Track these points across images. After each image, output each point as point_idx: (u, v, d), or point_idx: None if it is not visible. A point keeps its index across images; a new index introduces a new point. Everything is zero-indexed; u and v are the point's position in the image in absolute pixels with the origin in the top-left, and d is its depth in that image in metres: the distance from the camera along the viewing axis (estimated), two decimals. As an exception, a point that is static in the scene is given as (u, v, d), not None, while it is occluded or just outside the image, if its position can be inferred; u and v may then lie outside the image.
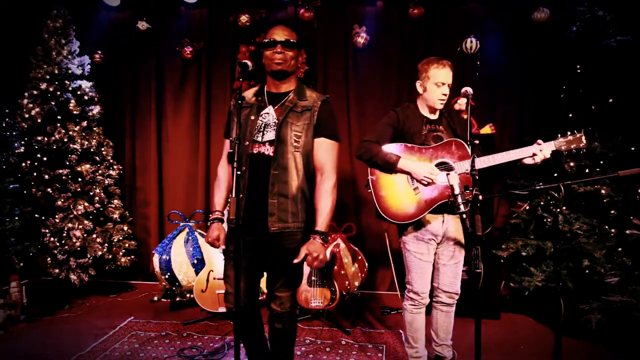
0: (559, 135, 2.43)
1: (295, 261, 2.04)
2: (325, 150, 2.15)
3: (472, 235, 2.01)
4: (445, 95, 2.50)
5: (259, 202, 2.10)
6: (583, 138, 2.39)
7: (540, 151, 2.37)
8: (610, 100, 3.39)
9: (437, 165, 2.47)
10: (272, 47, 2.10)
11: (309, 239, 2.08)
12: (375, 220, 4.48)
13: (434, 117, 2.60)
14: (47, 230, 3.99)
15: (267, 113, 2.15)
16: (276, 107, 2.16)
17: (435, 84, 2.47)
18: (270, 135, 2.11)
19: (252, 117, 2.16)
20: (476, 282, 2.23)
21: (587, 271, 3.21)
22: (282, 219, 2.10)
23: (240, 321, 2.26)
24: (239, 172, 1.96)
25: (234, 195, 1.84)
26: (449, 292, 2.61)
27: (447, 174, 2.39)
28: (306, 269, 3.58)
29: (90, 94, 4.30)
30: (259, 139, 2.13)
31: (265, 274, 2.31)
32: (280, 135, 2.10)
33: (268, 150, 2.12)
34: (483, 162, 2.41)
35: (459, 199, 2.18)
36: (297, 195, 2.12)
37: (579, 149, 2.41)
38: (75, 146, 4.10)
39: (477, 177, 2.07)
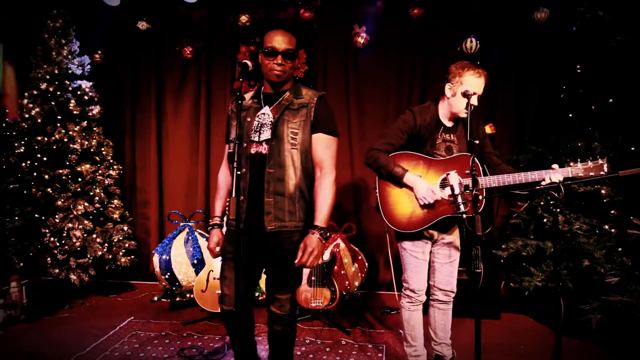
0: (578, 161, 2.30)
1: (297, 263, 2.01)
2: (324, 146, 2.11)
3: (472, 235, 2.00)
4: (472, 106, 2.34)
5: (257, 202, 2.08)
6: (605, 166, 2.23)
7: (553, 171, 2.26)
8: (610, 100, 3.39)
9: (445, 179, 2.43)
10: (272, 57, 2.05)
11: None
12: (375, 220, 4.52)
13: (450, 124, 2.52)
14: (47, 230, 3.99)
15: (264, 113, 2.14)
16: (272, 107, 2.14)
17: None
18: (266, 134, 2.09)
19: (249, 119, 2.15)
20: (476, 282, 2.23)
21: (587, 271, 3.21)
22: (278, 217, 2.07)
23: (233, 323, 2.24)
24: (239, 173, 1.95)
25: (233, 196, 1.83)
26: (444, 290, 2.62)
27: (448, 174, 2.39)
28: (306, 270, 3.58)
29: (90, 94, 4.30)
30: (256, 139, 2.11)
31: (263, 275, 2.29)
32: (276, 132, 2.07)
33: (265, 149, 2.08)
34: (491, 181, 2.36)
35: (459, 199, 2.18)
36: (294, 193, 2.09)
37: (598, 176, 2.25)
38: (75, 146, 4.09)
39: (477, 179, 2.07)
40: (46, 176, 4.03)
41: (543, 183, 2.29)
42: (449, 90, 2.44)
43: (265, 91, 2.21)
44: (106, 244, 4.18)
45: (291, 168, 2.08)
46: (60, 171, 4.05)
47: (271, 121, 2.10)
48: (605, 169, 2.24)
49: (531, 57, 4.14)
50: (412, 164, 2.47)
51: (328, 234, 2.07)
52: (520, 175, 2.33)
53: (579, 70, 3.57)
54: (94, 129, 4.29)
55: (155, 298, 4.13)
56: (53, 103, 4.10)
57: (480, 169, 2.43)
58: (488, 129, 4.15)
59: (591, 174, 2.26)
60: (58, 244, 3.98)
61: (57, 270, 3.98)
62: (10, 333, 3.45)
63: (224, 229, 2.28)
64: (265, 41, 2.08)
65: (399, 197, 2.49)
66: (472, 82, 2.36)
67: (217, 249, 2.28)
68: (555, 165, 2.31)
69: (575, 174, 2.28)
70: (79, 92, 4.23)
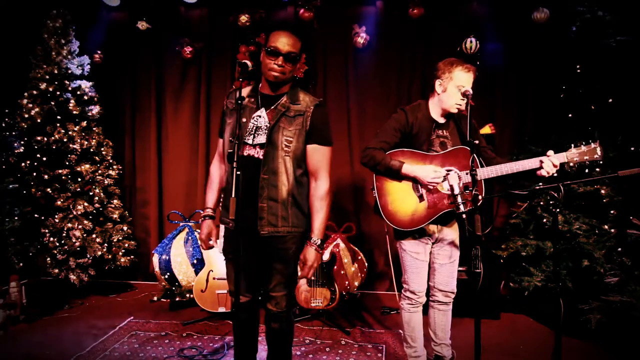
0: (572, 146, 2.32)
1: (299, 277, 2.17)
2: (319, 157, 2.15)
3: (472, 235, 2.01)
4: (463, 101, 2.40)
5: (250, 204, 2.11)
6: (598, 150, 2.26)
7: (548, 157, 2.28)
8: (610, 100, 3.39)
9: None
10: (274, 57, 2.05)
11: (300, 242, 2.16)
12: (375, 220, 4.51)
13: (443, 120, 2.54)
14: (46, 230, 3.98)
15: (259, 116, 2.14)
16: (268, 110, 2.14)
17: (457, 87, 2.38)
18: (261, 138, 2.11)
19: (244, 119, 2.15)
20: (476, 282, 2.23)
21: (586, 271, 3.21)
22: (271, 223, 2.12)
23: (238, 317, 2.28)
24: (238, 173, 1.96)
25: (233, 195, 1.84)
26: (444, 291, 2.62)
27: (447, 174, 2.39)
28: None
29: (90, 94, 4.29)
30: (250, 141, 2.12)
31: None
32: (271, 139, 2.09)
33: (258, 153, 2.11)
34: (489, 172, 2.37)
35: (459, 199, 2.18)
36: (287, 199, 2.13)
37: (593, 160, 2.29)
38: (75, 146, 4.09)
39: (477, 178, 2.07)
40: (46, 176, 4.02)
41: (542, 172, 2.29)
42: (439, 87, 2.47)
43: (262, 91, 2.20)
44: (106, 244, 4.18)
45: (284, 175, 2.11)
46: (60, 171, 4.05)
47: (267, 125, 2.11)
48: (599, 152, 2.27)
49: (531, 57, 4.13)
50: (412, 161, 2.48)
51: (323, 244, 2.15)
52: (517, 164, 2.35)
53: (578, 70, 3.57)
54: (94, 129, 4.28)
55: (155, 298, 4.13)
56: (53, 103, 4.09)
57: (479, 164, 2.44)
58: (488, 129, 4.15)
59: (586, 157, 2.29)
60: (58, 244, 3.97)
61: (56, 270, 3.97)
62: (10, 333, 3.44)
63: (222, 227, 2.31)
64: (270, 40, 2.08)
65: (399, 195, 2.49)
66: (462, 77, 2.39)
67: (211, 241, 2.29)
68: (550, 152, 2.31)
69: (571, 158, 2.31)
70: (78, 92, 4.23)
